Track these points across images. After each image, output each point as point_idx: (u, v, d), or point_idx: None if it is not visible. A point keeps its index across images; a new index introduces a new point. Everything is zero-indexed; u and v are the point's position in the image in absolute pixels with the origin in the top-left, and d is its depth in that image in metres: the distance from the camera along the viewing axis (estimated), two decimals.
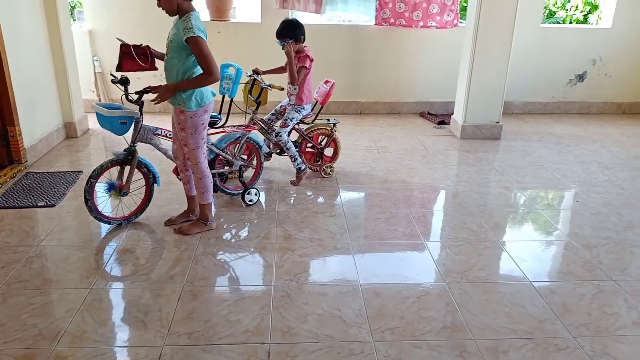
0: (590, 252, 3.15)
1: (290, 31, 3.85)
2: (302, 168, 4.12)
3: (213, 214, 3.39)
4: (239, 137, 3.70)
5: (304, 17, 7.46)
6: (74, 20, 6.83)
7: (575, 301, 2.66)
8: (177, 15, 2.91)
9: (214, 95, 3.11)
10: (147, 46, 3.12)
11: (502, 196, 4.03)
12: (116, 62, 3.08)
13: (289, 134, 4.05)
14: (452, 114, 5.79)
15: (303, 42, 3.95)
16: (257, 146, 3.88)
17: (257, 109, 4.04)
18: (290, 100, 4.09)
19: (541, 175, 4.45)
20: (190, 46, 2.81)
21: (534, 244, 3.33)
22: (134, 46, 3.05)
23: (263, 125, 4.10)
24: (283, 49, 3.89)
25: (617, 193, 4.07)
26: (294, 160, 4.09)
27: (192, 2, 2.92)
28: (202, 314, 2.51)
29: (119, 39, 3.12)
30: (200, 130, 3.06)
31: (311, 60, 3.97)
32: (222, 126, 3.64)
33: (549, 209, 3.87)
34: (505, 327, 2.45)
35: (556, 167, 4.64)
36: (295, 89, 4.00)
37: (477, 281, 2.82)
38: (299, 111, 4.05)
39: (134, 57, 3.03)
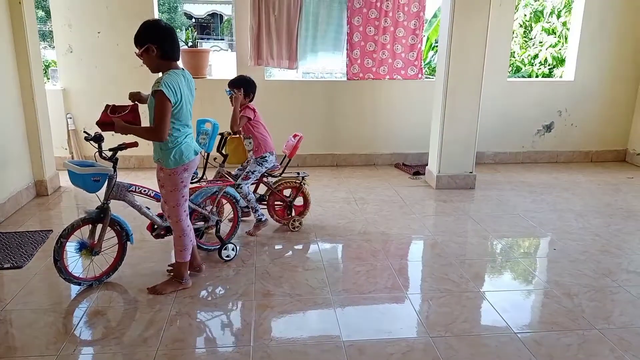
0: (572, 301, 3.14)
1: (245, 85, 4.01)
2: (263, 220, 4.14)
3: (188, 274, 3.29)
4: (216, 191, 3.65)
5: (281, 74, 7.65)
6: (48, 78, 6.83)
7: (561, 352, 2.62)
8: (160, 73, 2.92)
9: (196, 154, 3.06)
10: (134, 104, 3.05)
11: (480, 245, 4.03)
12: (89, 120, 3.03)
13: (256, 187, 4.13)
14: (427, 164, 5.87)
15: (251, 100, 4.06)
16: (234, 200, 3.83)
17: (223, 162, 4.03)
18: (249, 156, 4.12)
19: (517, 223, 4.49)
20: (154, 101, 2.80)
21: (515, 293, 3.31)
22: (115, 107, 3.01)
23: (229, 179, 4.04)
24: (230, 97, 3.98)
25: (592, 240, 4.11)
26: (255, 211, 4.11)
27: (177, 62, 2.93)
28: None
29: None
30: (180, 188, 3.01)
31: (254, 112, 4.04)
32: (199, 181, 3.60)
33: (528, 258, 3.87)
34: None
35: (531, 215, 4.70)
36: (250, 142, 4.07)
37: (461, 334, 2.76)
38: (261, 164, 4.07)
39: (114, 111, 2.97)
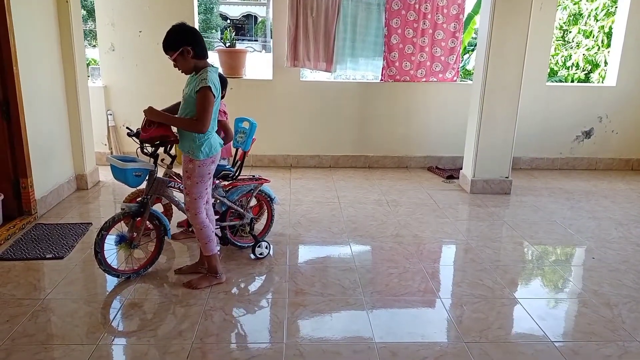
0: (611, 311, 3.05)
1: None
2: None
3: (221, 267, 3.33)
4: (251, 189, 3.70)
5: (314, 75, 7.68)
6: (88, 76, 7.03)
7: None
8: (194, 72, 2.98)
9: (221, 146, 3.14)
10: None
11: (515, 252, 3.96)
12: (128, 116, 3.09)
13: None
14: (461, 168, 5.80)
15: (222, 98, 3.72)
16: (268, 199, 3.87)
17: (172, 163, 3.75)
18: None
19: (554, 230, 4.39)
20: (197, 95, 2.85)
21: (551, 301, 3.24)
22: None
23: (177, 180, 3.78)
24: None
25: (633, 250, 3.99)
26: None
27: (208, 60, 3.00)
28: None
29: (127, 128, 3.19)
30: (206, 180, 3.07)
31: (225, 113, 3.80)
32: (235, 178, 3.64)
33: (565, 265, 3.79)
34: None
35: (569, 222, 4.59)
36: None
37: (496, 340, 2.72)
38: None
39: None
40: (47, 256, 3.61)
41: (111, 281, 3.30)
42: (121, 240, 3.22)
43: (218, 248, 3.75)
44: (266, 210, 3.98)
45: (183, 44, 2.87)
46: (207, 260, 3.26)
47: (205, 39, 3.07)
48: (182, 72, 2.99)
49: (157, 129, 3.02)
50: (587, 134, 6.57)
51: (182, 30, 2.92)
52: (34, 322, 2.80)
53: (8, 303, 2.98)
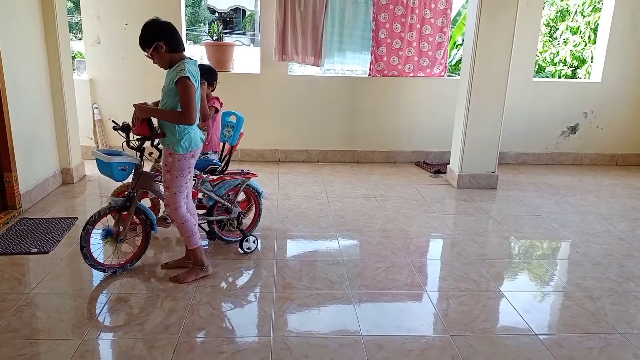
0: (594, 304, 3.10)
1: (208, 74, 3.66)
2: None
3: (209, 261, 3.33)
4: (239, 184, 3.69)
5: (302, 69, 7.67)
6: (74, 69, 6.94)
7: (583, 355, 2.59)
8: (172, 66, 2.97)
9: (202, 141, 3.11)
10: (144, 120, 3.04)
11: (501, 246, 4.00)
12: (115, 110, 3.07)
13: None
14: (448, 163, 5.84)
15: (213, 89, 3.79)
16: (256, 193, 3.87)
17: (159, 157, 3.61)
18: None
19: (540, 225, 4.44)
20: (177, 87, 2.84)
21: (536, 294, 3.28)
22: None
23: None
24: None
25: (616, 244, 4.05)
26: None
27: (185, 52, 2.99)
28: None
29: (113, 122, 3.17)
30: (186, 174, 3.05)
31: (221, 105, 3.80)
32: (222, 173, 3.63)
33: (550, 259, 3.83)
34: None
35: (554, 217, 4.64)
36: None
37: (481, 333, 2.75)
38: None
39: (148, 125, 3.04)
40: (32, 251, 3.57)
41: (97, 276, 3.28)
42: (107, 234, 3.20)
43: (206, 243, 3.75)
44: (254, 205, 3.97)
45: (156, 40, 2.87)
46: (192, 254, 3.24)
47: (192, 32, 3.06)
48: (160, 67, 2.98)
49: (141, 124, 3.00)
50: (573, 130, 6.64)
51: (154, 26, 2.92)
52: (18, 317, 2.77)
53: None
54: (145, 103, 3.07)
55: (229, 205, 3.65)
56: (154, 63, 2.99)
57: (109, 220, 3.31)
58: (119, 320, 2.82)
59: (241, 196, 3.84)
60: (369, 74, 6.27)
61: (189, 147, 2.99)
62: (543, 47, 9.17)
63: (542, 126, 6.58)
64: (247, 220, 3.96)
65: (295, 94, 6.28)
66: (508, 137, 6.21)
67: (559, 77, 8.76)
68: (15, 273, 3.28)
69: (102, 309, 2.91)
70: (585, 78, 8.20)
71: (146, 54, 2.93)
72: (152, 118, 3.04)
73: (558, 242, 4.18)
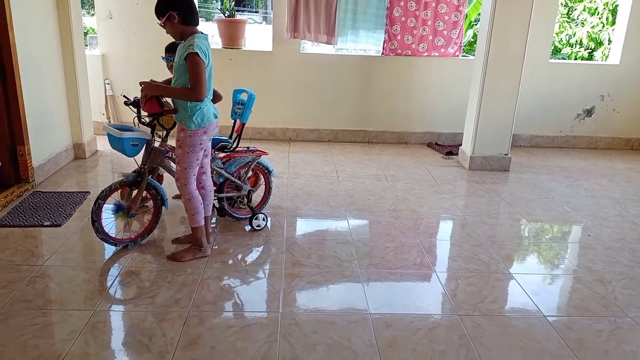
0: (605, 288, 3.08)
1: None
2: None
3: (215, 239, 3.34)
4: (249, 161, 3.68)
5: (314, 48, 7.58)
6: (86, 45, 6.94)
7: (591, 337, 2.58)
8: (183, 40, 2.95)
9: (216, 117, 3.10)
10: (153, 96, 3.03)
11: (512, 228, 3.98)
12: (126, 85, 3.04)
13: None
14: (460, 145, 5.78)
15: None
16: (266, 171, 3.86)
17: (166, 136, 3.47)
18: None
19: (552, 208, 4.40)
20: (187, 63, 2.82)
21: (546, 277, 3.27)
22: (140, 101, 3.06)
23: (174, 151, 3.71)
24: (168, 65, 3.58)
25: (629, 228, 4.01)
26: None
27: (198, 27, 2.96)
28: (208, 340, 2.44)
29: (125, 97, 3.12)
30: (197, 150, 3.04)
31: None
32: (232, 150, 3.63)
33: (561, 242, 3.80)
34: None
35: (566, 200, 4.60)
36: None
37: (489, 314, 2.75)
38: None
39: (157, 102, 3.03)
40: (45, 224, 3.61)
41: (109, 249, 3.31)
42: (118, 209, 3.22)
43: (215, 220, 3.77)
44: (264, 183, 3.97)
45: (170, 9, 2.85)
46: (193, 232, 3.23)
47: (204, 9, 3.03)
48: (172, 37, 2.97)
49: (150, 102, 2.98)
50: (588, 113, 6.53)
51: None
52: (31, 287, 2.82)
53: (6, 269, 3.00)
54: (152, 81, 3.06)
55: (239, 182, 3.65)
56: (167, 33, 2.95)
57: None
58: (130, 293, 2.85)
59: (250, 173, 3.83)
60: (382, 53, 6.20)
61: (201, 123, 2.98)
62: (559, 28, 8.98)
63: (557, 108, 6.48)
64: (257, 198, 3.96)
65: (307, 72, 6.23)
66: (522, 119, 6.13)
67: (575, 59, 8.59)
68: (28, 245, 3.32)
69: (113, 282, 2.95)
70: (602, 60, 8.04)
71: (159, 22, 2.90)
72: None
73: (570, 225, 4.15)
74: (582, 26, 8.75)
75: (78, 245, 3.38)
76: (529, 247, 3.70)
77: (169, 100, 3.12)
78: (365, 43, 6.25)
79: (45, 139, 4.60)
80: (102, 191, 3.14)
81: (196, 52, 2.79)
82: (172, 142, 3.40)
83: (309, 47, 8.16)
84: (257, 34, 12.20)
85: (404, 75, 6.29)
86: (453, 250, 3.59)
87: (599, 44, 8.42)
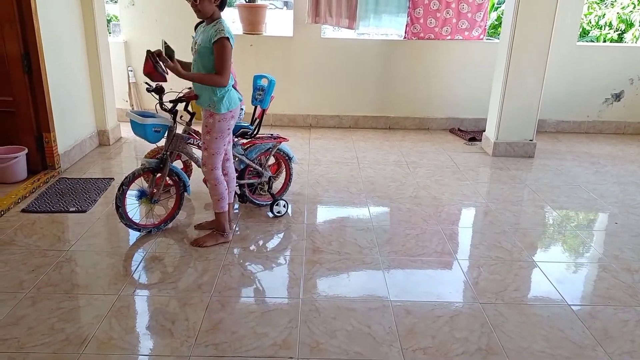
0: (632, 277, 3.01)
1: None
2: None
3: (236, 225, 3.36)
4: (270, 148, 3.68)
5: (335, 33, 7.51)
6: (109, 32, 7.00)
7: (617, 327, 2.53)
8: (206, 22, 2.94)
9: (240, 100, 3.12)
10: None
11: (536, 215, 3.91)
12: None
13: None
14: (484, 130, 5.69)
15: None
16: (287, 158, 3.86)
17: (191, 120, 3.42)
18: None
19: (577, 195, 4.31)
20: (215, 47, 2.82)
21: (571, 265, 3.21)
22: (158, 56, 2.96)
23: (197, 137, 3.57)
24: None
25: None
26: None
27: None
28: (229, 325, 2.47)
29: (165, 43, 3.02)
30: (225, 135, 3.06)
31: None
32: (253, 137, 3.63)
33: (586, 230, 3.73)
34: (543, 352, 2.34)
35: (593, 187, 4.50)
36: None
37: (512, 302, 2.72)
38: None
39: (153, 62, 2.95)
40: (71, 209, 3.69)
41: (133, 235, 3.37)
42: (142, 195, 3.27)
43: (236, 206, 3.79)
44: (284, 169, 3.98)
45: None
46: (217, 218, 3.26)
47: None
48: (198, 14, 2.88)
49: (145, 63, 2.91)
50: (617, 97, 6.35)
51: None
52: (58, 272, 2.89)
53: (33, 254, 3.07)
54: (171, 59, 2.90)
55: (260, 169, 3.66)
56: (197, 10, 2.85)
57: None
58: (154, 278, 2.90)
59: (271, 160, 3.84)
60: (405, 37, 6.10)
61: (230, 106, 3.01)
62: (588, 10, 8.72)
63: (585, 93, 6.31)
64: (277, 185, 3.97)
65: (328, 57, 6.18)
66: (548, 104, 5.99)
67: (604, 42, 8.34)
68: (54, 230, 3.40)
69: (137, 267, 3.00)
70: (632, 42, 7.79)
71: None
72: (161, 62, 2.90)
73: (596, 213, 4.06)
74: (612, 7, 8.47)
75: (103, 230, 3.45)
76: (553, 234, 3.63)
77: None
78: (387, 27, 6.16)
79: (70, 126, 4.67)
80: (126, 177, 3.18)
81: (227, 37, 2.81)
82: (195, 127, 3.42)
83: (330, 32, 8.08)
84: (278, 19, 12.13)
85: (426, 60, 6.19)
86: (475, 237, 3.56)
87: (630, 25, 8.15)
